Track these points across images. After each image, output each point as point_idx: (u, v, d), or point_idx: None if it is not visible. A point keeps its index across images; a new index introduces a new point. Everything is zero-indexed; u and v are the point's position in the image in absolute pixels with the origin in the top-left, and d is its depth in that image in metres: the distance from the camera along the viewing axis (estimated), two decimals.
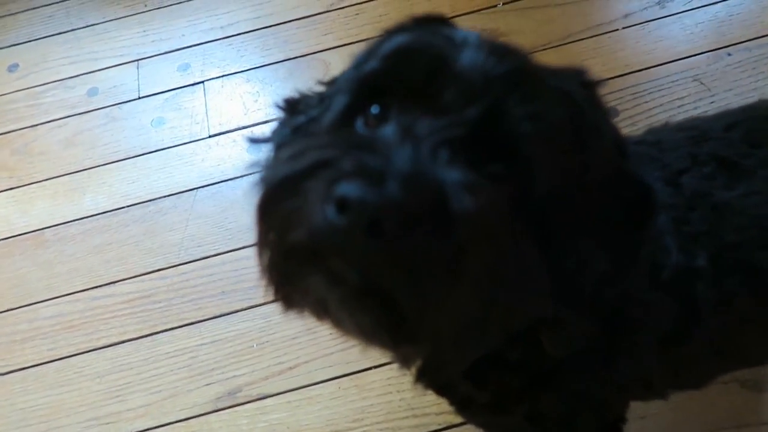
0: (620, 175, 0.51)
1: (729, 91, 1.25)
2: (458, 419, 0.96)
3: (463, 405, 0.66)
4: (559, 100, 0.46)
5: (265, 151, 0.55)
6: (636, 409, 0.88)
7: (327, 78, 0.58)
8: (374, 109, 0.48)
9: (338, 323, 0.45)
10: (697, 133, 0.70)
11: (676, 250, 0.61)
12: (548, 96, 0.45)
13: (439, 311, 0.40)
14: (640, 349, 0.62)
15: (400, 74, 0.46)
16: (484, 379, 0.60)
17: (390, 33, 0.51)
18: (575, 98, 0.47)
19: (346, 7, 1.53)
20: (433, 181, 0.39)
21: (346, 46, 1.46)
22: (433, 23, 0.51)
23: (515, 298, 0.45)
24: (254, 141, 0.57)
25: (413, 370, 0.49)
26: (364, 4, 1.52)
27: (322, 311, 0.44)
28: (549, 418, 0.62)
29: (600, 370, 0.61)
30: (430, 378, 0.51)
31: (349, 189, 0.36)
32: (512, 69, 0.45)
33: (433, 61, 0.45)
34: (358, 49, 0.53)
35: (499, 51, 0.46)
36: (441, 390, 0.67)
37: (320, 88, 0.58)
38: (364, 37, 1.43)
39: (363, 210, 0.35)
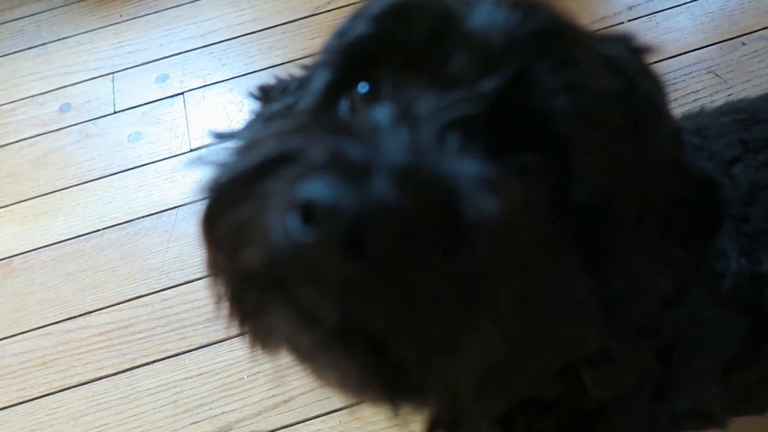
0: (679, 170, 0.40)
1: (747, 83, 1.18)
2: None
3: None
4: (604, 67, 0.36)
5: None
6: None
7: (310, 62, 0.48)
8: (362, 87, 0.37)
9: (317, 372, 0.34)
10: (744, 116, 0.61)
11: (736, 254, 0.52)
12: (590, 62, 0.35)
13: (450, 357, 0.29)
14: (701, 379, 0.53)
15: (396, 38, 0.36)
16: (512, 422, 0.49)
17: None
18: (625, 67, 0.37)
19: (333, 10, 1.45)
20: (437, 176, 0.28)
21: None
22: None
23: (554, 334, 0.34)
24: (220, 136, 0.46)
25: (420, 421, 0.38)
26: (351, 6, 1.44)
27: (297, 354, 0.33)
28: None
29: (652, 406, 0.52)
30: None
31: (317, 189, 0.25)
32: (542, 27, 0.34)
33: (438, 19, 0.35)
34: None
35: (524, 4, 0.35)
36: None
37: (301, 72, 0.47)
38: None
39: (336, 219, 0.25)
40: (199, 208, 0.34)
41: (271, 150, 0.30)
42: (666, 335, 0.43)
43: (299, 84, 0.45)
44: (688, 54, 1.23)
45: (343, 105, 0.38)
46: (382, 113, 0.31)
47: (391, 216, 0.25)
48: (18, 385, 1.08)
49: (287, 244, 0.26)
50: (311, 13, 1.46)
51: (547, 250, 0.32)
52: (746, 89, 1.16)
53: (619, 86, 0.36)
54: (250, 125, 0.46)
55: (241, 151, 0.33)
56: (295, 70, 0.47)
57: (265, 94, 0.48)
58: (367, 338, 0.28)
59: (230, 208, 0.31)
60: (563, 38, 0.35)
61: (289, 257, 0.26)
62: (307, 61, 0.46)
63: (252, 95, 0.48)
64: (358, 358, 0.29)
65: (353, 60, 0.38)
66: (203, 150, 1.28)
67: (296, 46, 1.41)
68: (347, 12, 0.44)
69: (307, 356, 0.32)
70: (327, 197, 0.25)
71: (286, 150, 0.29)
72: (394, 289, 0.26)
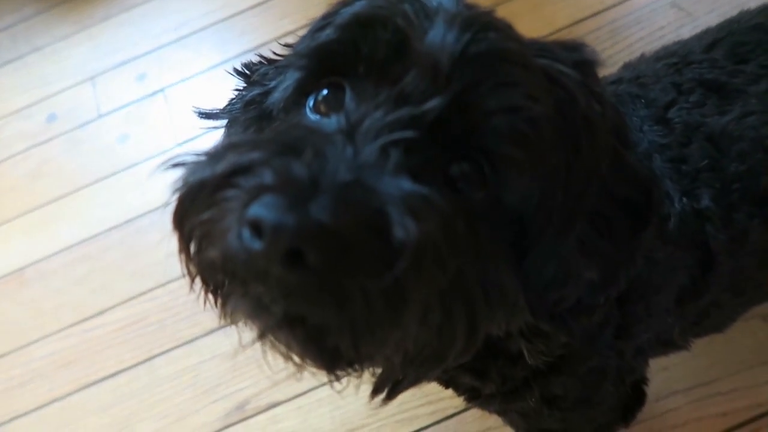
0: (618, 171, 0.44)
1: (711, 13, 1.18)
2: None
3: (471, 396, 0.61)
4: (545, 86, 0.39)
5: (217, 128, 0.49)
6: (657, 361, 0.83)
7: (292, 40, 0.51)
8: (324, 92, 0.41)
9: (271, 347, 0.39)
10: (676, 60, 0.64)
11: (678, 194, 0.55)
12: (530, 82, 0.38)
13: (380, 343, 0.35)
14: (657, 312, 0.57)
15: (358, 49, 0.39)
16: (487, 371, 0.54)
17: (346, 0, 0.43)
18: (565, 83, 0.40)
19: None
20: (371, 197, 0.32)
21: (304, 29, 1.39)
22: None
23: (477, 319, 0.39)
24: (204, 114, 0.50)
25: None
26: None
27: (255, 331, 0.38)
28: (566, 398, 0.57)
29: (614, 342, 0.56)
30: (387, 396, 0.45)
31: (263, 211, 0.30)
32: (487, 49, 0.37)
33: (397, 35, 0.38)
34: None
35: (476, 25, 0.38)
36: (445, 383, 0.62)
37: (283, 51, 0.50)
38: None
39: (279, 237, 0.29)
40: (170, 206, 0.39)
41: (231, 163, 0.34)
42: (598, 314, 0.47)
43: (277, 69, 0.48)
44: None
45: (310, 102, 0.42)
46: (335, 128, 0.36)
47: (326, 235, 0.30)
48: (47, 386, 1.15)
49: (239, 250, 0.31)
50: None
51: (471, 251, 0.37)
52: (710, 20, 1.16)
53: (557, 103, 0.39)
54: (231, 104, 0.50)
55: (209, 159, 0.37)
56: (277, 49, 0.51)
57: (248, 70, 0.51)
58: (307, 326, 0.33)
59: (196, 208, 0.36)
60: (506, 60, 0.38)
61: (240, 260, 0.32)
62: (286, 40, 0.50)
63: (236, 71, 0.51)
64: (300, 341, 0.35)
65: (322, 63, 0.42)
66: (188, 144, 1.31)
67: (267, 28, 1.42)
68: None
69: (261, 335, 0.37)
70: (271, 218, 0.30)
71: (242, 164, 0.34)
72: (328, 292, 0.31)
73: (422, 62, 0.37)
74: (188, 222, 0.37)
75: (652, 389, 0.81)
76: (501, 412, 0.69)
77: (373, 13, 0.39)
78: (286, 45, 0.50)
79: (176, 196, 0.37)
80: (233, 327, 0.40)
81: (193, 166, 0.37)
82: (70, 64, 1.50)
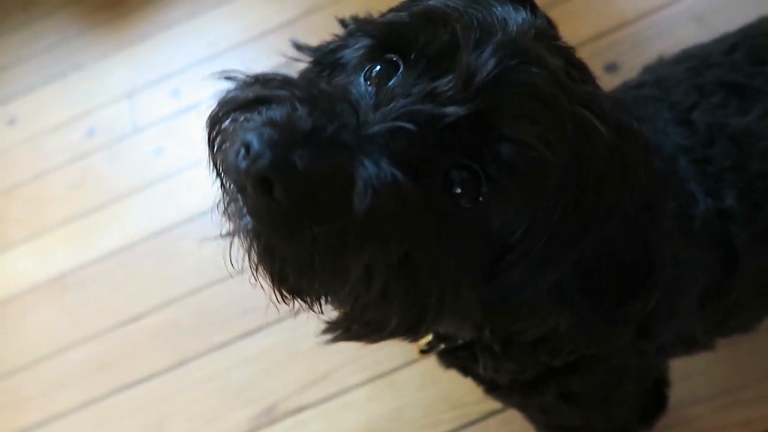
0: (629, 237, 0.44)
1: (731, 26, 1.19)
2: (497, 406, 0.93)
3: (490, 387, 0.63)
4: (567, 134, 0.40)
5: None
6: (680, 368, 0.84)
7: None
8: (377, 68, 0.45)
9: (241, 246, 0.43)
10: (696, 63, 0.65)
11: (703, 195, 0.57)
12: (551, 125, 0.39)
13: (318, 283, 0.39)
14: (680, 312, 0.58)
15: (417, 38, 0.43)
16: (500, 361, 0.56)
17: None
18: (594, 139, 0.41)
19: (325, 9, 1.50)
20: (351, 164, 0.36)
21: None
22: None
23: (421, 307, 0.41)
24: (297, 46, 0.54)
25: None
26: (341, 2, 1.49)
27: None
28: (584, 395, 0.59)
29: (636, 342, 0.57)
30: (332, 339, 0.48)
31: (255, 140, 0.35)
32: (523, 81, 0.39)
33: (452, 38, 0.41)
34: None
35: (523, 55, 0.40)
36: (464, 371, 0.64)
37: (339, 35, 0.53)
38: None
39: (257, 165, 0.35)
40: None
41: (261, 93, 0.40)
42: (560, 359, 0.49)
43: (349, 34, 0.51)
44: (672, 5, 1.26)
45: (365, 70, 0.46)
46: (365, 98, 0.40)
47: (295, 176, 0.34)
48: (84, 388, 1.20)
49: (233, 162, 0.37)
50: (303, 13, 1.52)
51: (430, 244, 0.39)
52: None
53: (572, 155, 0.40)
54: (319, 49, 0.53)
55: (252, 82, 0.42)
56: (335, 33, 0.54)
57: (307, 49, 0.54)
58: (265, 242, 0.38)
59: (223, 118, 0.42)
60: (535, 97, 0.40)
61: (232, 170, 0.37)
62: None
63: (295, 44, 0.54)
64: (258, 252, 0.40)
65: (387, 38, 0.45)
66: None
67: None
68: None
69: (232, 234, 0.42)
70: (256, 147, 0.35)
71: (270, 97, 0.39)
72: (282, 224, 0.37)
73: (461, 71, 0.39)
74: (215, 126, 0.43)
75: (675, 397, 0.81)
76: (521, 407, 0.70)
77: (442, 12, 0.43)
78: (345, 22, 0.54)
79: (216, 102, 0.43)
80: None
81: (238, 84, 0.43)
82: (108, 81, 1.58)
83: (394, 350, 1.06)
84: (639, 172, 0.44)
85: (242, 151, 0.36)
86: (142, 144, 1.46)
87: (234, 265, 0.43)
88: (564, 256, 0.42)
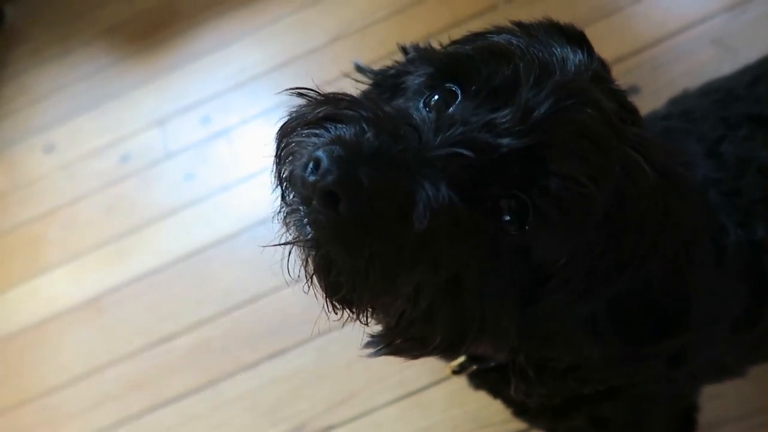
0: (667, 277, 0.45)
1: (752, 48, 1.21)
2: (524, 426, 0.94)
3: (519, 410, 0.65)
4: (614, 174, 0.41)
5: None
6: (710, 387, 0.84)
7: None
8: (436, 97, 0.47)
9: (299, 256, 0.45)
10: (722, 96, 0.67)
11: (733, 226, 0.58)
12: (599, 165, 0.41)
13: (371, 296, 0.41)
14: (711, 341, 0.59)
15: (479, 71, 0.45)
16: (531, 385, 0.57)
17: (499, 29, 0.49)
18: (639, 181, 0.42)
19: (348, 37, 1.55)
20: (411, 184, 0.38)
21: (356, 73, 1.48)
22: (558, 34, 0.48)
23: (463, 326, 0.43)
24: (359, 67, 0.57)
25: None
26: (365, 30, 1.54)
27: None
28: (615, 421, 0.60)
29: (669, 370, 0.57)
30: (375, 353, 0.50)
31: (325, 156, 0.37)
32: (576, 121, 0.41)
33: (513, 74, 0.43)
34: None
35: (579, 97, 0.42)
36: (494, 393, 0.65)
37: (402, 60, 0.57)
38: (369, 60, 1.44)
39: (326, 179, 0.37)
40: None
41: (331, 112, 0.42)
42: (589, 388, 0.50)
43: (410, 61, 0.54)
44: (691, 29, 1.28)
45: (425, 96, 0.48)
46: (427, 123, 0.42)
47: (360, 192, 0.37)
48: (118, 406, 1.24)
49: (300, 175, 0.39)
50: (326, 43, 1.56)
51: (477, 266, 0.41)
52: (752, 56, 1.19)
53: (618, 194, 0.42)
54: (381, 72, 0.56)
55: (321, 100, 0.45)
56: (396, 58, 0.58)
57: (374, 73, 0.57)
58: (322, 253, 0.40)
59: (292, 133, 0.44)
60: (587, 137, 0.41)
61: (299, 183, 0.40)
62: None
63: (357, 66, 0.58)
64: (315, 262, 0.42)
65: (449, 68, 0.48)
66: (250, 180, 1.40)
67: (319, 73, 1.52)
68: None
69: (295, 243, 0.44)
70: (326, 163, 0.37)
71: (339, 116, 0.42)
72: (344, 237, 0.39)
73: (519, 106, 0.42)
74: (284, 140, 0.45)
75: (704, 417, 0.81)
76: (549, 430, 0.71)
77: (506, 48, 0.45)
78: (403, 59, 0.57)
79: (286, 118, 0.46)
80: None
81: (308, 102, 0.45)
82: (140, 109, 1.64)
83: (421, 370, 1.08)
84: (681, 215, 0.45)
85: (311, 165, 0.38)
86: (173, 169, 1.51)
87: (290, 274, 0.45)
88: (601, 290, 0.44)
